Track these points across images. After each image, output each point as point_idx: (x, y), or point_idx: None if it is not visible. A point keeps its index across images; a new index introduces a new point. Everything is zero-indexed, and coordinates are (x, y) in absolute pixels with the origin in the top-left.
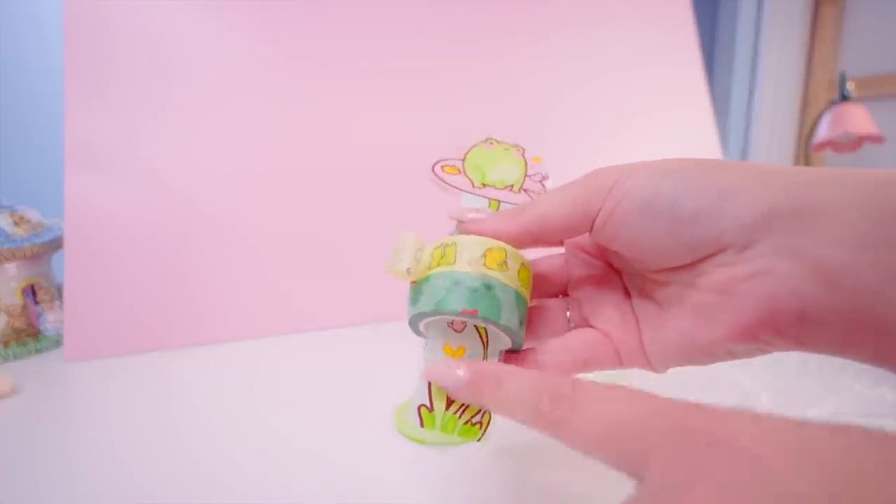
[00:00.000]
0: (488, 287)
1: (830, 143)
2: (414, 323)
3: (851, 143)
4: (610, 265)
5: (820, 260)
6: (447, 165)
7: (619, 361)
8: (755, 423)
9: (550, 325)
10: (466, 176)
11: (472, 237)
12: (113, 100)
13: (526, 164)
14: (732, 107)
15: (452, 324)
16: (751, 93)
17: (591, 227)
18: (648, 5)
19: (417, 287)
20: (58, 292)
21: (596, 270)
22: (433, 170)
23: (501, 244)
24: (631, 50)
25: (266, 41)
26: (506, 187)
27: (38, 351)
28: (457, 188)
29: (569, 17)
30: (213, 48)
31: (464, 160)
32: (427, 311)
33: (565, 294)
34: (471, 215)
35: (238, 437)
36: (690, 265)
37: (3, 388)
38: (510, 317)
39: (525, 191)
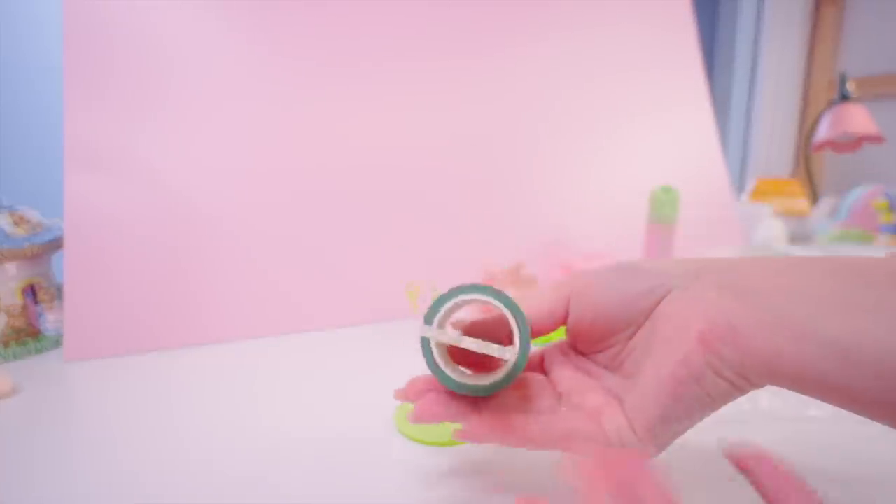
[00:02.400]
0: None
1: (830, 143)
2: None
3: (851, 143)
4: (586, 370)
5: (740, 289)
6: None
7: (606, 439)
8: None
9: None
10: None
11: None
12: (113, 99)
13: None
14: (732, 107)
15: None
16: (751, 93)
17: (568, 307)
18: (649, 6)
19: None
20: (58, 292)
21: (576, 372)
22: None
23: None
24: (631, 50)
25: (266, 41)
26: None
27: (38, 351)
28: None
29: (569, 17)
30: (213, 48)
31: None
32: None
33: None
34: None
35: (238, 437)
36: (649, 319)
37: (2, 388)
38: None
39: None
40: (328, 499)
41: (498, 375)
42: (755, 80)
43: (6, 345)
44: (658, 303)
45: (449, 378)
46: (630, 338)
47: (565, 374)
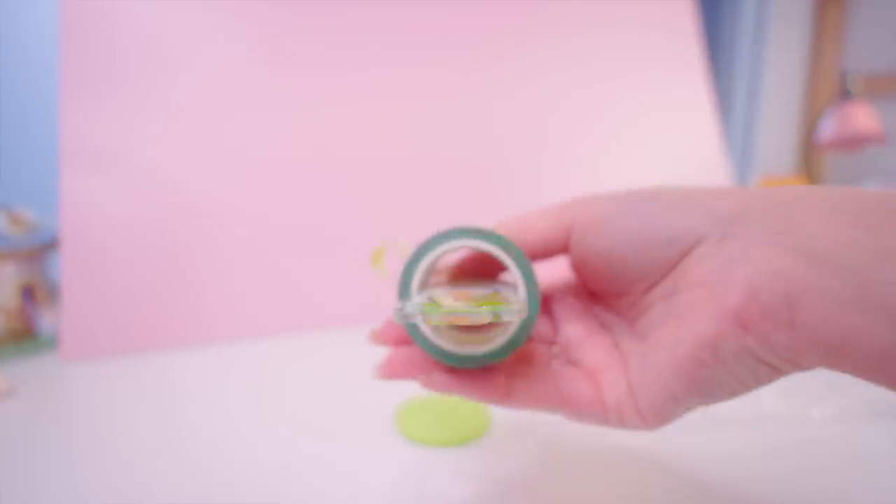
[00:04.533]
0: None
1: (834, 142)
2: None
3: (855, 142)
4: (598, 319)
5: (801, 243)
6: None
7: (602, 407)
8: None
9: (533, 361)
10: None
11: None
12: (109, 99)
13: None
14: (735, 107)
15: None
16: (753, 91)
17: (569, 241)
18: (650, 7)
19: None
20: (55, 293)
21: (585, 319)
22: None
23: None
24: (632, 51)
25: (266, 42)
26: None
27: (35, 351)
28: None
29: (569, 18)
30: (209, 48)
31: None
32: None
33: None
34: None
35: (237, 437)
36: (670, 275)
37: None
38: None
39: None
40: (328, 499)
41: (495, 343)
42: (758, 78)
43: (3, 345)
44: (682, 256)
45: (434, 347)
46: (646, 291)
47: (567, 317)
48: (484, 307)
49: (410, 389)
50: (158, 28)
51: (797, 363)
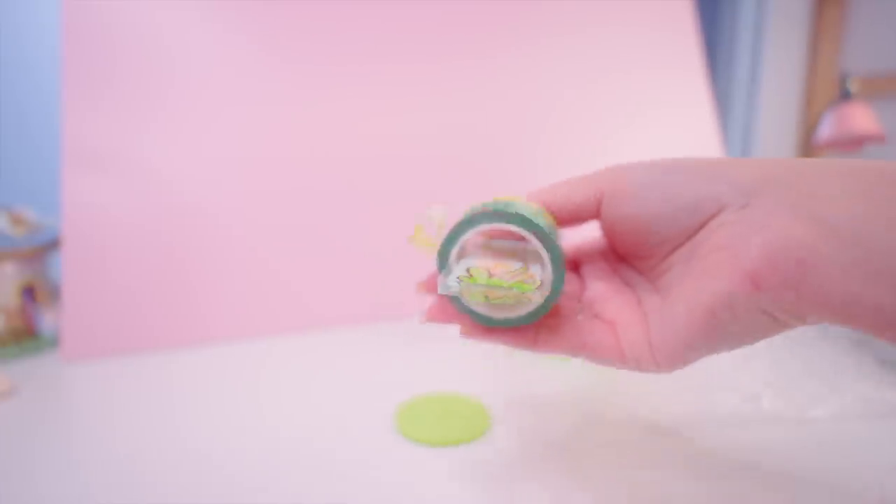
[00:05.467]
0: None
1: (833, 143)
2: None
3: (854, 143)
4: (623, 279)
5: (820, 213)
6: None
7: (621, 354)
8: None
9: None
10: None
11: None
12: (111, 99)
13: None
14: (734, 107)
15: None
16: (752, 92)
17: (600, 209)
18: (649, 6)
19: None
20: (56, 292)
21: (611, 279)
22: None
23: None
24: (631, 51)
25: (266, 41)
26: None
27: (36, 351)
28: None
29: (567, 17)
30: (210, 48)
31: None
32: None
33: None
34: None
35: (236, 438)
36: (691, 240)
37: (1, 388)
38: (551, 234)
39: None
40: (328, 498)
41: (523, 310)
42: (756, 79)
43: (4, 345)
44: (704, 223)
45: (472, 311)
46: (669, 253)
47: (595, 276)
48: (514, 287)
49: (410, 389)
50: (159, 29)
51: (804, 319)
